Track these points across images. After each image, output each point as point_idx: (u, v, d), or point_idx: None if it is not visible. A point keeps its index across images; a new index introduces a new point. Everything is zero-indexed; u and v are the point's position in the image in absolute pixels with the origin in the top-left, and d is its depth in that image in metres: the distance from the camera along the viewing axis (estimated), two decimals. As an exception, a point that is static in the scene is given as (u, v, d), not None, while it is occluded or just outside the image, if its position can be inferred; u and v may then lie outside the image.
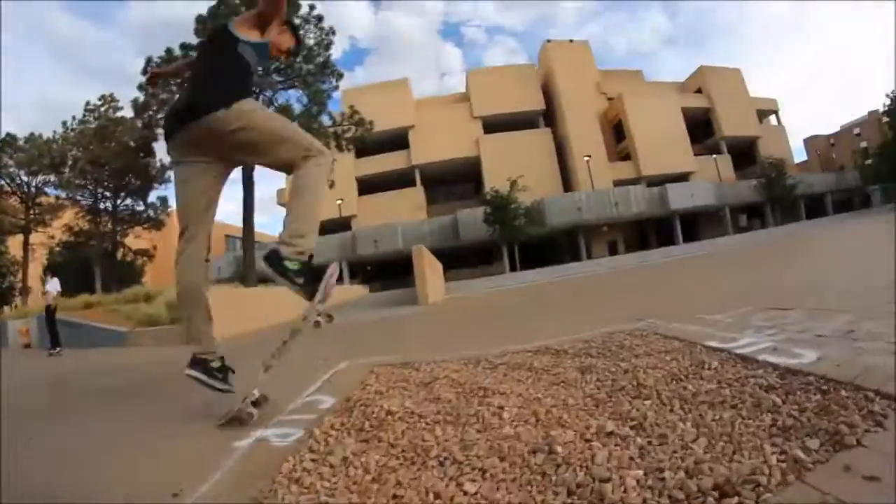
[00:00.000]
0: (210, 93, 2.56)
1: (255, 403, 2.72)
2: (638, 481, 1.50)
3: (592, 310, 7.00)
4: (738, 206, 46.60)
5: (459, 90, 54.83)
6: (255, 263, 18.72)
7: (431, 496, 1.59)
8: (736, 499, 1.35)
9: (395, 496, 1.62)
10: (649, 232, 45.78)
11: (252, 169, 18.11)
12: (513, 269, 36.76)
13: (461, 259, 40.83)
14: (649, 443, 1.79)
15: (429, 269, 15.55)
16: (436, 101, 53.32)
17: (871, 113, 55.30)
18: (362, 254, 38.91)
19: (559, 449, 1.79)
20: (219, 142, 2.59)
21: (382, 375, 3.54)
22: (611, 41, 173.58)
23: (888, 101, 43.05)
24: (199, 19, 18.62)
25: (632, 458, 1.68)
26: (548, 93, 50.08)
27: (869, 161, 47.47)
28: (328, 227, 42.82)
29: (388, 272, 38.13)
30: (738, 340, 3.15)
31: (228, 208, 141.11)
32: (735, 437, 1.73)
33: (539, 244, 43.20)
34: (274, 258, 2.63)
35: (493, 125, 48.00)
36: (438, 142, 46.42)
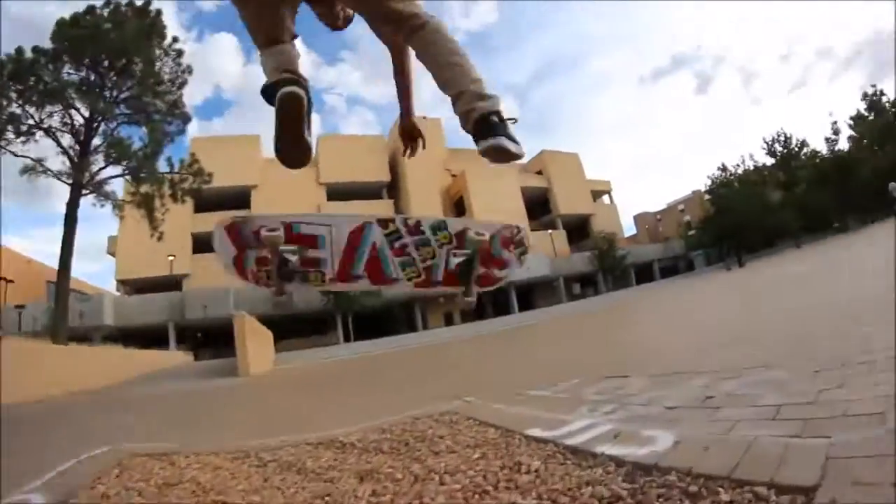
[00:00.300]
0: None
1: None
2: None
3: (412, 385, 6.78)
4: (572, 275, 50.88)
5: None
6: (69, 316, 16.24)
7: None
8: None
9: None
10: (486, 302, 47.46)
11: (76, 204, 15.77)
12: (347, 339, 35.69)
13: (295, 328, 38.84)
14: None
15: (252, 339, 14.68)
16: None
17: (694, 191, 64.54)
18: (191, 318, 35.39)
19: None
20: None
21: (128, 471, 3.00)
22: None
23: (709, 182, 51.91)
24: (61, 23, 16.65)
25: None
26: (394, 166, 51.24)
27: (692, 232, 55.27)
28: (157, 286, 38.87)
29: (218, 339, 34.86)
30: (569, 425, 2.76)
31: (51, 250, 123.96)
32: None
33: (374, 314, 42.75)
34: (495, 122, 1.61)
35: (338, 193, 47.68)
36: (281, 205, 44.31)
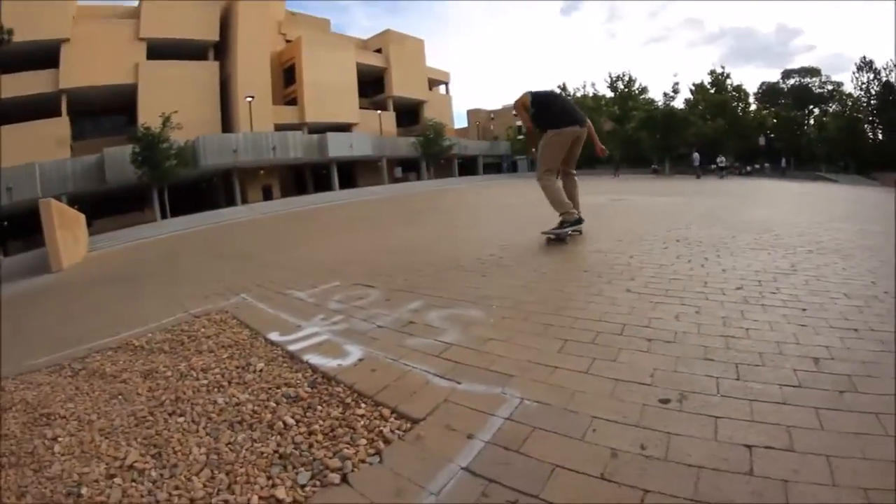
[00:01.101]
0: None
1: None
2: None
3: (207, 275, 6.94)
4: (396, 158, 51.03)
5: (132, 2, 45.06)
6: None
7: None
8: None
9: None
10: (308, 178, 46.72)
11: None
12: (164, 215, 33.06)
13: (110, 205, 34.74)
14: (162, 475, 1.78)
15: (62, 228, 13.14)
16: (100, 11, 42.52)
17: None
18: None
19: (84, 490, 1.78)
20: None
21: None
22: None
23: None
24: None
25: (142, 496, 1.68)
26: (226, 24, 45.43)
27: (520, 136, 57.87)
28: None
29: (28, 225, 29.40)
30: (300, 331, 3.26)
31: None
32: (237, 467, 1.75)
33: (193, 187, 39.98)
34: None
35: (160, 51, 40.77)
36: (95, 62, 37.06)
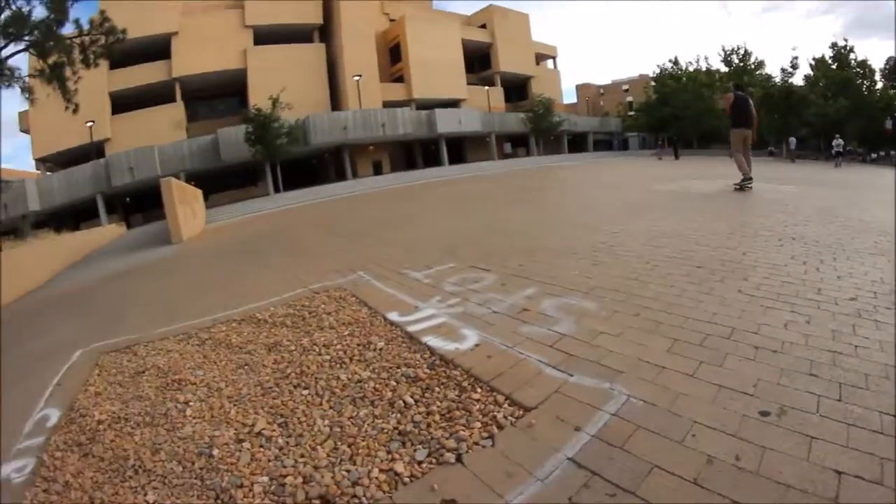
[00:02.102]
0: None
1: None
2: (263, 487, 1.77)
3: (321, 251, 7.44)
4: (505, 134, 50.78)
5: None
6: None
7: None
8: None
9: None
10: (417, 153, 47.64)
11: None
12: (277, 190, 35.32)
13: (225, 181, 37.69)
14: (287, 443, 2.06)
15: (180, 204, 14.53)
16: (206, 5, 46.28)
17: (641, 75, 64.69)
18: (118, 184, 33.16)
19: (216, 452, 2.07)
20: None
21: (106, 368, 3.56)
22: None
23: (658, 70, 51.08)
24: None
25: (269, 461, 1.94)
26: (329, 7, 47.21)
27: (632, 113, 56.94)
28: (79, 157, 35.59)
29: (148, 202, 33.06)
30: (419, 311, 3.48)
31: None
32: (359, 440, 1.98)
33: (304, 163, 42.14)
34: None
35: (265, 36, 43.49)
36: (204, 52, 40.42)
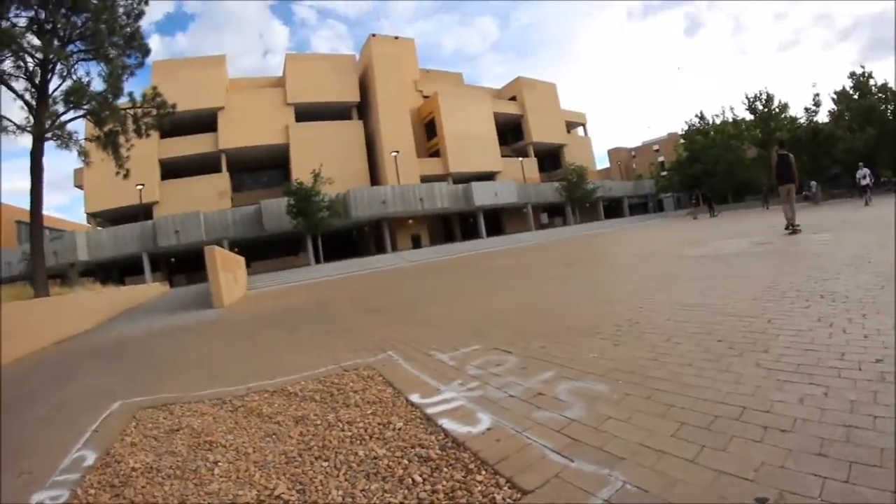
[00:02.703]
0: None
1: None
2: None
3: (356, 326, 7.74)
4: (541, 204, 51.54)
5: (278, 73, 52.41)
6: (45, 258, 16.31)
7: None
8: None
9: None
10: (455, 225, 48.47)
11: (41, 153, 15.44)
12: (318, 260, 36.37)
13: (267, 249, 39.75)
14: None
15: (223, 271, 15.24)
16: (250, 83, 50.43)
17: (670, 134, 66.09)
18: (163, 245, 35.56)
19: None
20: None
21: (143, 421, 3.96)
22: (441, 41, 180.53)
23: (686, 127, 51.92)
24: None
25: None
26: (365, 86, 50.12)
27: (664, 173, 57.13)
28: (128, 216, 38.59)
29: (192, 264, 35.24)
30: (440, 394, 3.66)
31: (13, 186, 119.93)
32: None
33: (345, 235, 43.55)
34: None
35: (306, 113, 46.72)
36: (248, 126, 43.92)
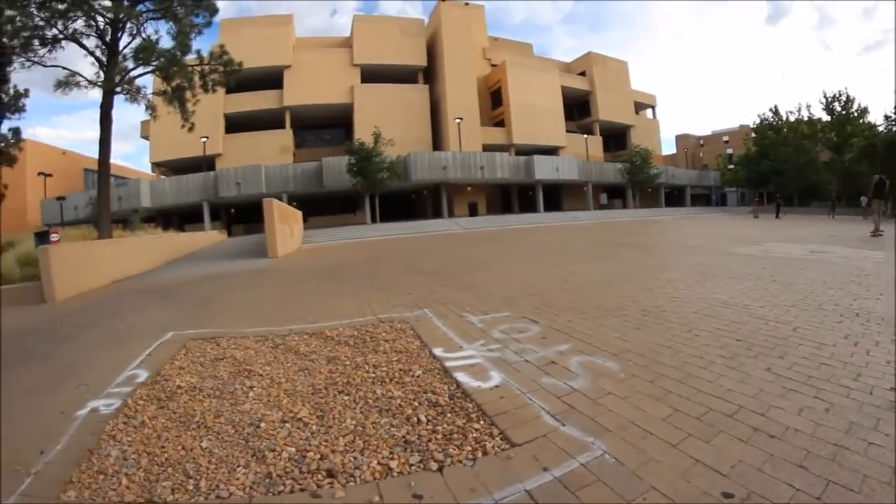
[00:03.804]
0: None
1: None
2: (289, 455, 2.40)
3: (403, 285, 7.96)
4: (602, 184, 50.51)
5: (345, 34, 52.39)
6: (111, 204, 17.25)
7: (181, 449, 2.53)
8: (333, 480, 2.15)
9: (162, 447, 2.55)
10: (513, 197, 48.11)
11: (111, 106, 16.12)
12: (374, 220, 36.92)
13: (325, 206, 40.38)
14: (319, 430, 2.68)
15: (280, 223, 15.83)
16: (317, 42, 50.51)
17: (741, 126, 62.86)
18: (224, 196, 36.72)
19: (263, 425, 2.76)
20: None
21: (192, 350, 4.45)
22: (511, 7, 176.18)
23: (759, 121, 49.22)
24: None
25: (301, 439, 2.57)
26: (432, 51, 49.56)
27: (731, 166, 55.03)
28: (191, 166, 39.95)
29: (251, 215, 36.30)
30: (462, 351, 3.94)
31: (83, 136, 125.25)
32: (372, 440, 2.51)
33: (403, 197, 43.89)
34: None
35: (372, 75, 46.51)
36: (314, 85, 44.18)
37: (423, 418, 2.73)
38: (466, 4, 52.59)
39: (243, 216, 40.62)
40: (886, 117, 37.77)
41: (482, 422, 2.65)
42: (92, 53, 16.17)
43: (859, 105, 42.06)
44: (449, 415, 2.76)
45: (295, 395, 3.22)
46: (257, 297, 7.82)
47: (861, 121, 41.41)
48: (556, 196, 48.50)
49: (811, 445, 2.21)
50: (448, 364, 3.60)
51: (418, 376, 3.39)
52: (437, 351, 3.95)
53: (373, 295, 7.02)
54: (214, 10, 18.66)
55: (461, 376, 3.32)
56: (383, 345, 4.23)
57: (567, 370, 3.37)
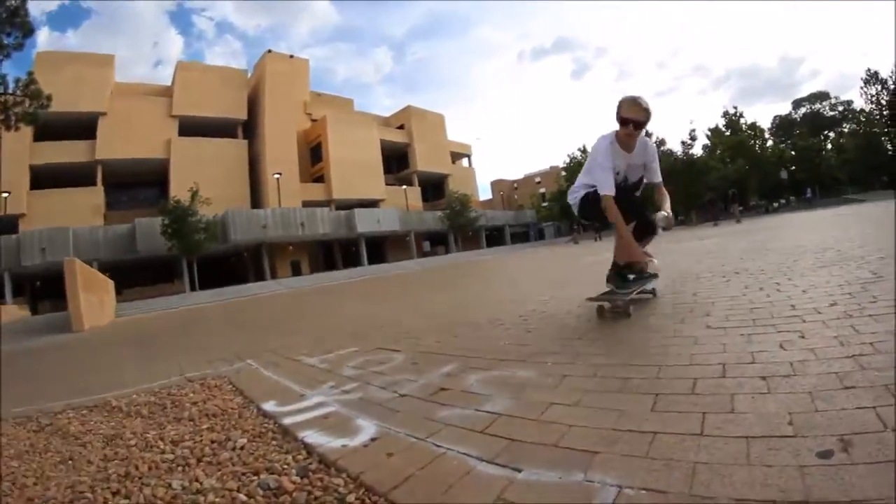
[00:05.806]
0: None
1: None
2: None
3: (219, 341, 6.96)
4: (424, 232, 51.69)
5: (167, 83, 48.19)
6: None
7: None
8: None
9: None
10: (336, 253, 47.21)
11: None
12: (193, 287, 33.41)
13: (140, 275, 35.91)
14: None
15: (85, 290, 13.46)
16: (136, 89, 45.47)
17: (552, 167, 69.03)
18: (28, 264, 30.52)
19: None
20: None
21: None
22: (335, 67, 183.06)
23: (568, 160, 54.89)
24: None
25: None
26: (253, 104, 47.80)
27: (545, 203, 60.01)
28: None
29: (59, 288, 30.33)
30: (304, 400, 2.71)
31: None
32: None
33: (222, 261, 40.75)
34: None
35: (191, 127, 43.13)
36: (129, 136, 39.27)
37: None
38: (291, 57, 51.94)
39: (52, 290, 33.78)
40: (683, 142, 47.10)
41: (373, 508, 1.41)
42: None
43: (657, 137, 48.73)
44: (305, 507, 1.48)
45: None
46: (40, 373, 6.34)
47: (660, 149, 48.33)
48: (380, 248, 48.75)
49: (831, 367, 1.78)
50: (287, 421, 2.33)
51: (242, 447, 2.06)
52: (268, 406, 2.67)
53: (186, 356, 5.63)
54: (29, 31, 15.87)
55: (312, 435, 2.05)
56: (189, 409, 2.88)
57: (469, 393, 2.33)
